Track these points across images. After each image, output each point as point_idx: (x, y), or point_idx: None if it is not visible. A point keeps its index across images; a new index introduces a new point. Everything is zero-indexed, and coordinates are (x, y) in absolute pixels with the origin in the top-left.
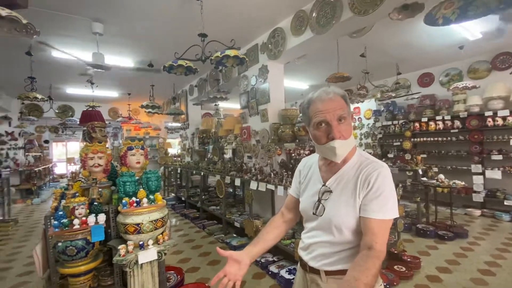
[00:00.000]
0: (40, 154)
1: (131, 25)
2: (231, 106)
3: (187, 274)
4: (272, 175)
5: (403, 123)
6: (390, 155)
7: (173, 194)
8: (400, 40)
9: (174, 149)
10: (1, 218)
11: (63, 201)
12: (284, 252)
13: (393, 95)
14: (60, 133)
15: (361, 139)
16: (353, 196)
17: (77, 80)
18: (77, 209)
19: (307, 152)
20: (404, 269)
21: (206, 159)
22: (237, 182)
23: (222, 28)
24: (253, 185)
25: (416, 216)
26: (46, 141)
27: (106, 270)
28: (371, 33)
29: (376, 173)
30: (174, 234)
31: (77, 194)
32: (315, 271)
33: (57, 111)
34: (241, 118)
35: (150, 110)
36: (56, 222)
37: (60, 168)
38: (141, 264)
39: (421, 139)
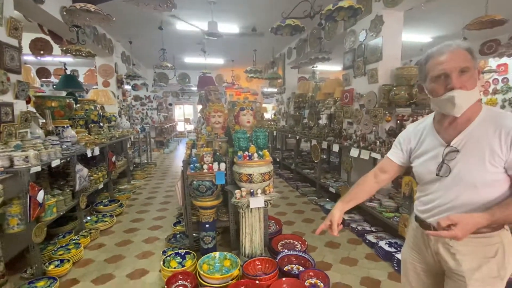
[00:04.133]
0: (166, 114)
1: None
2: (328, 68)
3: (284, 226)
4: (378, 143)
5: None
6: None
7: None
8: None
9: (268, 114)
10: (145, 161)
11: (194, 150)
12: (384, 224)
13: None
14: (180, 97)
15: (503, 106)
16: (491, 154)
17: (193, 49)
18: (205, 157)
19: None
20: None
21: (301, 124)
22: (335, 148)
23: None
24: (354, 152)
25: None
26: (170, 104)
27: (223, 209)
28: None
29: None
30: None
31: (204, 145)
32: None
33: (178, 78)
34: (344, 80)
35: (252, 75)
36: (191, 165)
37: (180, 127)
38: (251, 209)
39: None
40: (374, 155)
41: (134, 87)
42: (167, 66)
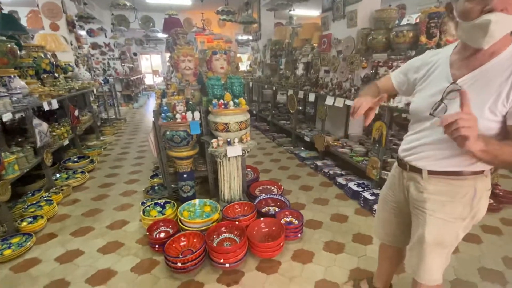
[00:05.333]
0: (132, 65)
1: None
2: (306, 13)
3: (261, 173)
4: (353, 90)
5: None
6: None
7: None
8: None
9: (243, 65)
10: (114, 116)
11: (164, 99)
12: (354, 168)
13: None
14: (145, 45)
15: None
16: (496, 100)
17: None
18: (177, 106)
19: (401, 65)
20: (492, 201)
21: (277, 74)
22: (311, 97)
23: None
24: (329, 100)
25: None
26: (135, 54)
27: (200, 160)
28: None
29: None
30: None
31: (175, 93)
32: (416, 170)
33: (140, 22)
34: (322, 25)
35: (225, 17)
36: (163, 114)
37: (148, 80)
38: (229, 158)
39: None
40: (348, 102)
41: (90, 33)
42: (125, 4)
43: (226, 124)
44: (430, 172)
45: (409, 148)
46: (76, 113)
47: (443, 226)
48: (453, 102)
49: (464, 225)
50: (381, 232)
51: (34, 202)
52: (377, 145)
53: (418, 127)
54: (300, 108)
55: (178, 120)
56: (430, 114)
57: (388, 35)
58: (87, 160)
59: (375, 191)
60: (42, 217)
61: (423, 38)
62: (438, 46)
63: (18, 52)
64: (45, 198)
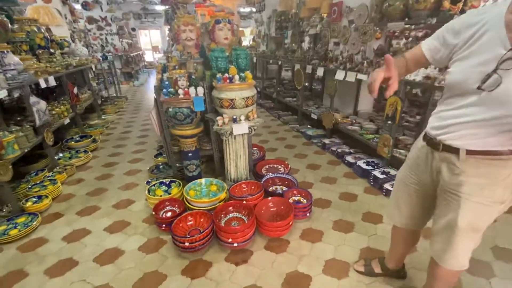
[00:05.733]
0: (130, 41)
1: None
2: None
3: (267, 152)
4: (366, 63)
5: None
6: None
7: None
8: None
9: (246, 39)
10: (114, 95)
11: (165, 74)
12: (363, 146)
13: None
14: (143, 19)
15: None
16: None
17: None
18: (179, 80)
19: (419, 35)
20: None
21: (283, 48)
22: (320, 72)
23: None
24: (340, 74)
25: None
26: (133, 29)
27: (205, 139)
28: None
29: None
30: None
31: (176, 67)
32: (452, 150)
33: None
34: None
35: None
36: (164, 90)
37: (148, 57)
38: (235, 136)
39: None
40: (360, 76)
41: (85, 6)
42: None
43: (231, 100)
44: (469, 152)
45: (444, 125)
46: (75, 90)
47: (479, 210)
48: (509, 73)
49: (500, 208)
50: (398, 216)
51: (38, 182)
52: (389, 122)
53: (458, 102)
54: (307, 84)
55: (181, 96)
56: (479, 87)
57: (406, 1)
58: (89, 139)
59: (385, 169)
60: (47, 196)
61: (446, 3)
62: (462, 12)
63: (10, 25)
64: (49, 178)
